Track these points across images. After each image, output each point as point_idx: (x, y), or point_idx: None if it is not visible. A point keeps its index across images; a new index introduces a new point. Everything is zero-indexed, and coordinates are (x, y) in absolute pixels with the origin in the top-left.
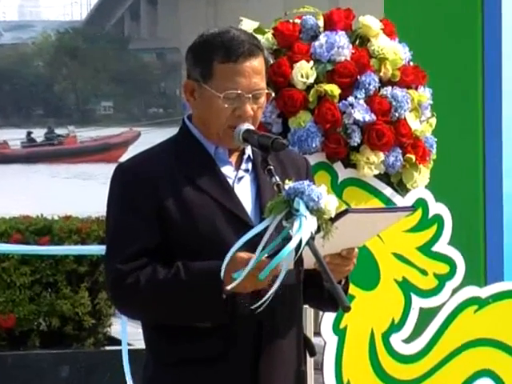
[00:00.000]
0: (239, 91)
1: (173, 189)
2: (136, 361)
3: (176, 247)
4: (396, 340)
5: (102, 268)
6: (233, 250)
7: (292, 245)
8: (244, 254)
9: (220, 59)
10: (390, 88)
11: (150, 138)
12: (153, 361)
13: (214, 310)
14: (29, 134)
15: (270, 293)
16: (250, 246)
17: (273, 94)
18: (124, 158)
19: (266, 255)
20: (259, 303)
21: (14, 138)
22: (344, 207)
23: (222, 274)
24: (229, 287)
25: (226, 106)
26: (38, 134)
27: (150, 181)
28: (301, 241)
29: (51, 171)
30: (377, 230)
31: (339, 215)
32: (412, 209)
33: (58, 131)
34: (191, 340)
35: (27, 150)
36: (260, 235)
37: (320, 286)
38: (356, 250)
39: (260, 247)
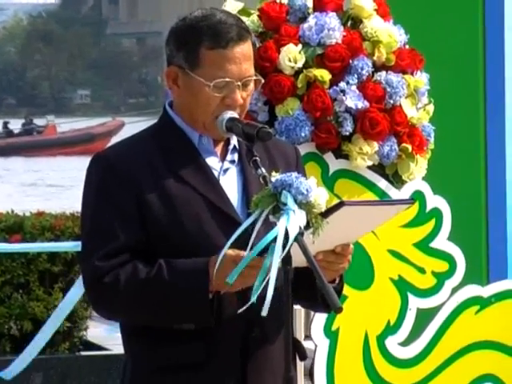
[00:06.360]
0: (229, 79)
1: (154, 182)
2: (114, 367)
3: (158, 243)
4: (392, 343)
5: (78, 267)
6: (223, 251)
7: (278, 243)
8: (232, 252)
9: (208, 45)
10: (384, 73)
11: (134, 128)
12: (131, 366)
13: (199, 311)
14: (5, 124)
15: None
16: (237, 241)
17: (262, 81)
18: None
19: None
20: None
21: None
22: (335, 201)
23: (212, 274)
24: (222, 292)
25: (216, 94)
26: (13, 124)
27: (129, 174)
28: (288, 237)
29: (27, 164)
30: (373, 225)
31: (334, 208)
32: (412, 201)
33: (34, 121)
34: (173, 345)
35: (4, 140)
36: (247, 231)
37: (312, 286)
38: (351, 246)
39: (249, 246)
